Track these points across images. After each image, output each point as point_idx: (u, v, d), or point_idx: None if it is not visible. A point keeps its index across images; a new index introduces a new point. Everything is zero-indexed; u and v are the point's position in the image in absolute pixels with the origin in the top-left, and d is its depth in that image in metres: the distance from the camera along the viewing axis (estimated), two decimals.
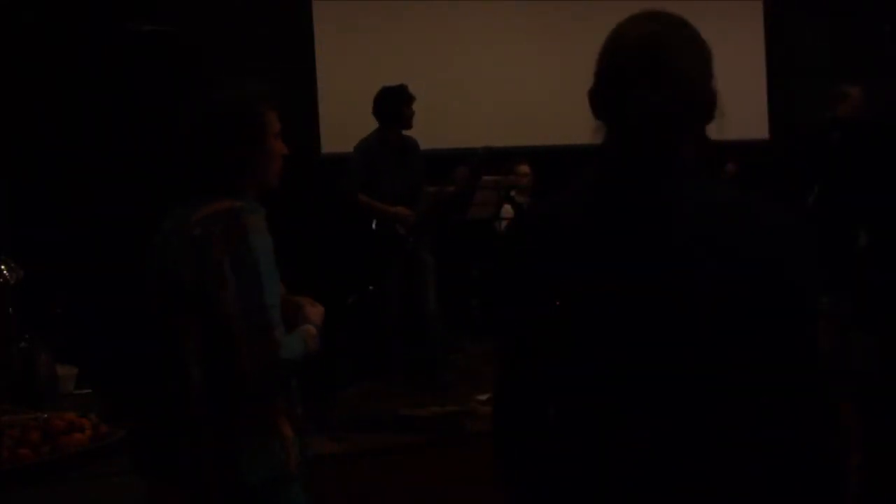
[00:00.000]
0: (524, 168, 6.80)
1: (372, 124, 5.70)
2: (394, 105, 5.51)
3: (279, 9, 6.60)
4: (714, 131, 1.39)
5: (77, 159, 5.05)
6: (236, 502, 2.03)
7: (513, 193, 6.68)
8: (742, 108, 7.52)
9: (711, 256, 1.23)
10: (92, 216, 4.96)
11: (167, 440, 2.13)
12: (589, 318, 1.31)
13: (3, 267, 2.59)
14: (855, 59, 7.77)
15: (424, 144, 5.89)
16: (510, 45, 7.38)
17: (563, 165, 6.62)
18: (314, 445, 2.19)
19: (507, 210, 6.59)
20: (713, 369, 1.23)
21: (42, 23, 5.14)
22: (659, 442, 1.26)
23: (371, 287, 5.91)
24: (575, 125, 7.63)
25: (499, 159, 6.54)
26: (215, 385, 2.01)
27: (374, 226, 5.53)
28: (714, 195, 1.30)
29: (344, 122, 6.38)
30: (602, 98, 1.38)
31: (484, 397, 5.46)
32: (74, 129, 5.05)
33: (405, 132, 5.61)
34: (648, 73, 1.31)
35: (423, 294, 5.67)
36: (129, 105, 5.09)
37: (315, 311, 2.19)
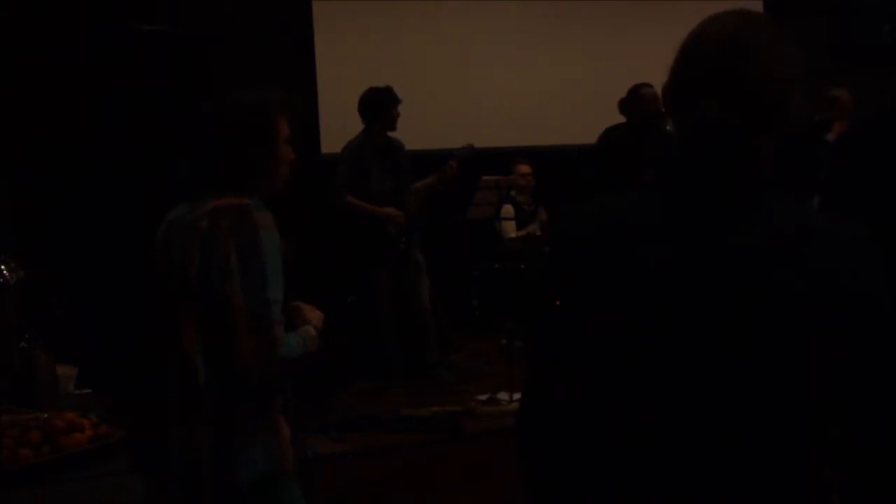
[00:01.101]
0: (525, 168, 6.80)
1: None
2: (380, 106, 5.53)
3: (279, 9, 6.60)
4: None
5: (77, 159, 5.05)
6: (231, 500, 2.02)
7: (513, 193, 6.69)
8: None
9: (783, 270, 1.20)
10: (92, 216, 4.96)
11: (164, 438, 2.13)
12: (659, 331, 1.26)
13: (3, 267, 2.59)
14: (855, 59, 7.76)
15: (423, 144, 5.90)
16: (510, 45, 7.38)
17: (562, 165, 6.65)
18: (314, 445, 2.19)
19: (508, 210, 6.60)
20: (786, 385, 1.20)
21: (42, 23, 5.14)
22: (724, 459, 1.23)
23: (369, 287, 5.92)
24: (574, 125, 7.69)
25: (501, 159, 6.56)
26: (215, 377, 2.01)
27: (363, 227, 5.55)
28: (785, 210, 1.25)
29: (344, 123, 6.37)
30: (673, 102, 1.31)
31: (484, 397, 5.46)
32: (74, 129, 5.05)
33: (390, 133, 5.63)
34: (723, 84, 1.24)
35: (416, 294, 5.68)
36: (130, 105, 5.09)
37: (315, 314, 2.20)
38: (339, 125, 6.40)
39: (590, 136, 6.07)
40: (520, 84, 7.34)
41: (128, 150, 5.03)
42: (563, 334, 1.36)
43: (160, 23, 5.34)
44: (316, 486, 2.15)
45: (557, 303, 1.38)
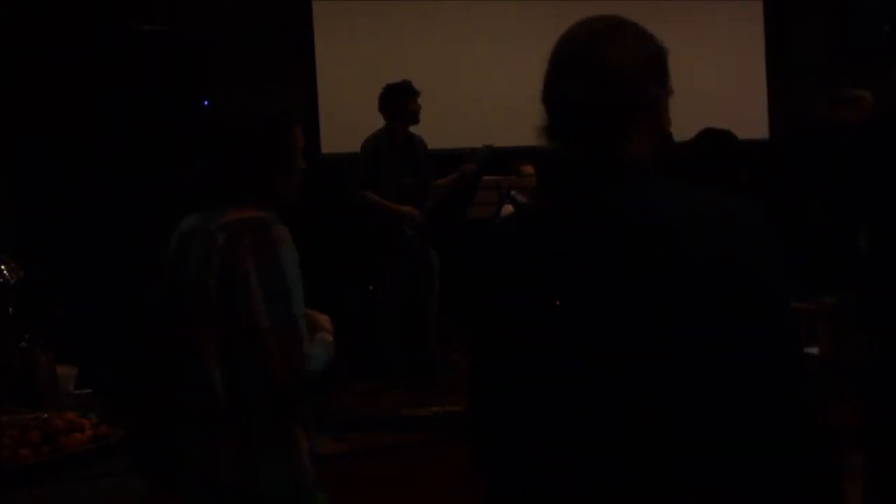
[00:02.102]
0: (528, 169, 6.80)
1: (371, 124, 5.70)
2: (398, 101, 5.51)
3: (279, 9, 6.60)
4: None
5: (77, 159, 5.05)
6: None
7: (513, 193, 6.68)
8: (742, 107, 7.53)
9: (667, 257, 1.20)
10: (92, 216, 4.96)
11: (170, 434, 2.12)
12: (553, 333, 1.27)
13: (3, 267, 2.59)
14: (855, 59, 7.76)
15: None
16: (510, 45, 7.37)
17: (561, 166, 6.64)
18: (314, 445, 2.19)
19: (508, 210, 6.59)
20: (684, 374, 1.20)
21: (42, 23, 5.14)
22: (627, 456, 1.23)
23: (371, 287, 5.92)
24: None
25: (502, 159, 6.55)
26: (236, 392, 1.98)
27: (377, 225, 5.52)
28: (660, 195, 1.26)
29: (344, 122, 6.38)
30: (543, 100, 1.38)
31: None
32: (74, 129, 5.05)
33: (412, 127, 5.61)
34: (580, 71, 1.30)
35: (427, 294, 5.67)
36: (130, 105, 5.09)
37: (325, 318, 2.17)
38: (339, 125, 6.40)
39: None
40: (520, 84, 7.32)
41: (128, 150, 5.03)
42: (481, 346, 1.43)
43: (160, 23, 5.34)
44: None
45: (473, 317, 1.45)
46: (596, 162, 1.30)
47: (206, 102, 5.11)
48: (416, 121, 5.58)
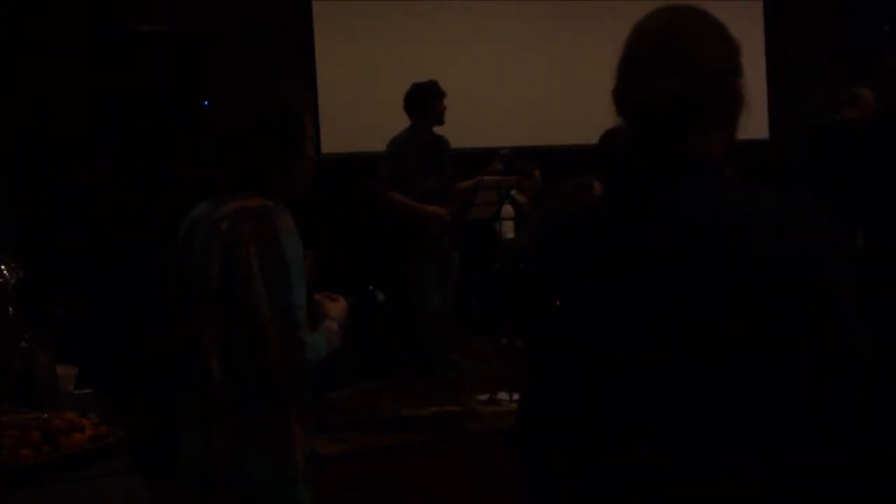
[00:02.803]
0: (537, 174, 6.81)
1: (371, 124, 5.70)
2: (424, 101, 5.50)
3: (279, 9, 6.60)
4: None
5: (77, 159, 5.05)
6: (242, 500, 2.02)
7: (513, 193, 6.68)
8: None
9: (724, 256, 1.19)
10: (92, 216, 4.96)
11: (170, 434, 2.13)
12: (607, 324, 1.27)
13: (3, 267, 2.59)
14: (855, 59, 7.77)
15: None
16: (510, 45, 7.38)
17: (564, 166, 6.64)
18: (314, 445, 2.19)
19: (508, 210, 6.60)
20: (736, 372, 1.19)
21: (42, 23, 5.14)
22: (678, 449, 1.23)
23: (371, 287, 5.92)
24: (576, 126, 7.66)
25: (512, 160, 6.55)
26: (232, 380, 2.00)
27: (412, 230, 5.52)
28: (728, 194, 1.25)
29: (344, 122, 6.38)
30: (617, 93, 1.34)
31: (484, 397, 5.47)
32: (74, 129, 5.05)
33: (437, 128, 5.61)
34: (661, 64, 1.27)
35: (446, 294, 5.67)
36: (130, 105, 5.09)
37: (335, 307, 2.18)
38: (339, 125, 6.41)
39: (591, 137, 6.07)
40: (520, 84, 7.33)
41: (128, 150, 5.03)
42: (541, 333, 1.41)
43: (160, 23, 5.34)
44: (316, 486, 2.15)
45: (534, 303, 1.42)
46: (671, 157, 1.28)
47: (205, 103, 5.11)
48: (441, 121, 5.58)
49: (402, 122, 5.65)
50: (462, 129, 6.15)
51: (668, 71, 1.27)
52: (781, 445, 1.20)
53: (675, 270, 1.22)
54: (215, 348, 2.00)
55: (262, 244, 1.96)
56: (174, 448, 2.12)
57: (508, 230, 6.57)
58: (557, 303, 1.35)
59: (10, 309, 2.57)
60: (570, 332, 1.33)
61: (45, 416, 2.19)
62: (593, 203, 1.40)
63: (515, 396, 5.36)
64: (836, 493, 1.20)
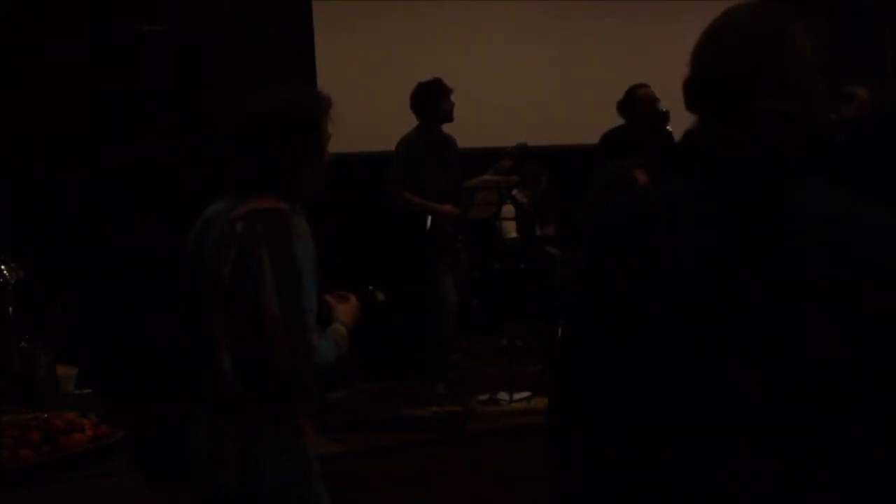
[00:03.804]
0: (542, 181, 6.81)
1: (371, 124, 5.70)
2: (430, 100, 5.49)
3: (279, 9, 6.60)
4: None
5: (77, 159, 5.05)
6: (254, 499, 2.01)
7: (515, 192, 6.68)
8: None
9: (834, 263, 1.18)
10: (92, 216, 4.96)
11: (170, 434, 2.13)
12: (702, 329, 1.23)
13: (3, 267, 2.59)
14: (855, 59, 7.76)
15: None
16: (511, 45, 7.38)
17: (564, 166, 6.64)
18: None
19: (508, 210, 6.60)
20: (835, 382, 1.17)
21: (42, 23, 5.14)
22: (769, 460, 1.19)
23: (371, 287, 5.91)
24: (576, 126, 7.65)
25: (498, 159, 6.55)
26: (244, 378, 2.00)
27: (428, 225, 5.50)
28: (832, 201, 1.24)
29: (344, 122, 6.36)
30: (707, 93, 1.30)
31: (484, 397, 5.46)
32: (74, 129, 5.05)
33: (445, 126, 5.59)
34: (761, 72, 1.25)
35: (456, 294, 5.67)
36: (129, 105, 5.09)
37: (345, 308, 2.18)
38: (338, 125, 6.39)
39: (592, 137, 6.08)
40: (520, 84, 7.33)
41: (128, 150, 5.03)
42: (597, 325, 1.33)
43: (160, 23, 5.34)
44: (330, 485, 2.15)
45: (591, 292, 1.35)
46: (760, 158, 1.26)
47: (208, 102, 5.11)
48: (449, 119, 5.56)
49: (402, 121, 5.64)
50: (462, 129, 6.14)
51: (781, 90, 1.25)
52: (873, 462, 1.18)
53: (787, 279, 1.19)
54: (227, 346, 2.00)
55: (275, 247, 1.96)
56: (181, 446, 2.12)
57: (509, 230, 6.57)
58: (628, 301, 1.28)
59: (10, 309, 2.57)
60: (658, 324, 1.26)
61: (45, 416, 2.19)
62: (668, 195, 1.32)
63: (516, 396, 5.36)
64: None
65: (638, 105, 5.71)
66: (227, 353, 2.00)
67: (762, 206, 1.23)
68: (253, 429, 2.00)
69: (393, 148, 5.66)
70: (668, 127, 5.68)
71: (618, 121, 5.92)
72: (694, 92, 1.31)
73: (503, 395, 5.40)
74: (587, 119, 6.62)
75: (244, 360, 1.99)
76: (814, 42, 1.30)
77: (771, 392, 1.19)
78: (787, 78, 1.25)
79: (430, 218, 5.49)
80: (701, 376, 1.22)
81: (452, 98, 5.54)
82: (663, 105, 5.66)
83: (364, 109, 6.08)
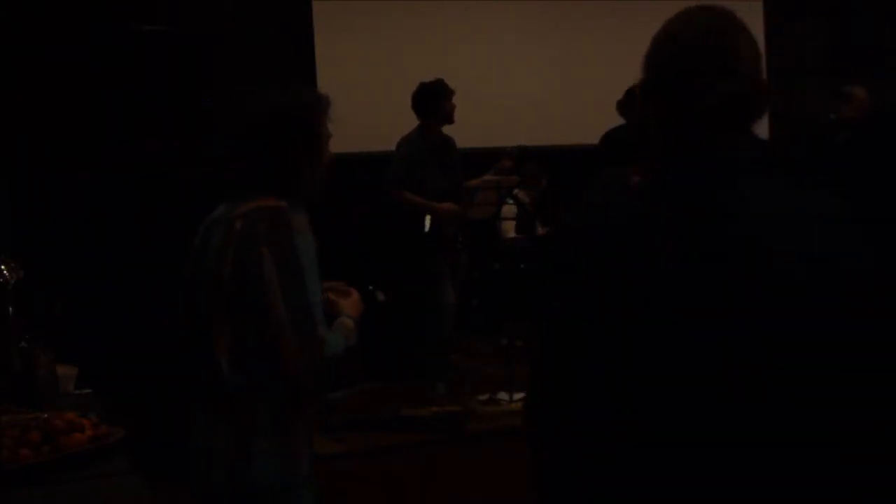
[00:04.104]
0: (543, 183, 6.81)
1: (371, 124, 5.70)
2: (432, 101, 5.49)
3: (279, 9, 6.60)
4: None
5: (77, 159, 5.05)
6: (246, 500, 2.02)
7: (516, 192, 6.68)
8: None
9: (788, 257, 1.20)
10: (92, 216, 4.96)
11: (169, 434, 2.13)
12: (652, 317, 1.26)
13: (3, 267, 2.59)
14: (855, 59, 7.76)
15: None
16: (510, 45, 7.38)
17: (565, 166, 6.65)
18: (315, 446, 2.19)
19: (508, 210, 6.60)
20: (797, 376, 1.19)
21: (42, 23, 5.14)
22: (730, 457, 1.21)
23: (371, 287, 5.91)
24: (577, 126, 7.65)
25: (497, 159, 6.56)
26: (241, 379, 2.00)
27: (427, 227, 5.50)
28: (782, 192, 1.26)
29: (344, 122, 6.36)
30: (663, 90, 1.36)
31: (484, 397, 5.47)
32: (74, 129, 5.05)
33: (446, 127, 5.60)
34: (716, 63, 1.31)
35: (455, 293, 5.67)
36: (129, 105, 5.09)
37: (348, 302, 2.18)
38: (338, 125, 6.39)
39: (592, 137, 6.08)
40: (520, 84, 7.33)
41: (128, 150, 5.03)
42: (565, 328, 1.37)
43: (160, 23, 5.34)
44: (321, 488, 2.15)
45: (557, 296, 1.39)
46: (713, 153, 1.30)
47: (207, 102, 5.11)
48: (450, 121, 5.56)
49: (402, 121, 5.64)
50: (462, 129, 6.15)
51: (726, 74, 1.31)
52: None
53: (737, 271, 1.21)
54: (225, 347, 2.00)
55: (276, 243, 1.96)
56: (181, 446, 2.12)
57: (509, 230, 6.57)
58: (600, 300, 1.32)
59: (10, 309, 2.57)
60: (611, 329, 1.30)
61: (45, 416, 2.19)
62: (634, 196, 1.36)
63: (516, 396, 5.36)
64: None
65: (638, 105, 5.70)
66: (225, 354, 2.00)
67: (713, 204, 1.25)
68: (248, 430, 2.00)
69: (393, 148, 5.66)
70: None
71: (618, 121, 5.91)
72: (650, 93, 1.37)
73: (503, 395, 5.40)
74: (587, 119, 6.62)
75: (244, 359, 1.99)
76: (753, 41, 1.37)
77: (736, 389, 1.20)
78: (741, 67, 1.32)
79: (428, 219, 5.48)
80: (663, 375, 1.25)
81: (454, 101, 5.54)
82: None
83: (364, 109, 6.09)
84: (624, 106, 5.85)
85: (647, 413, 1.27)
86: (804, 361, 1.19)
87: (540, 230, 6.65)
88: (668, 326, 1.25)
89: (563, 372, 1.37)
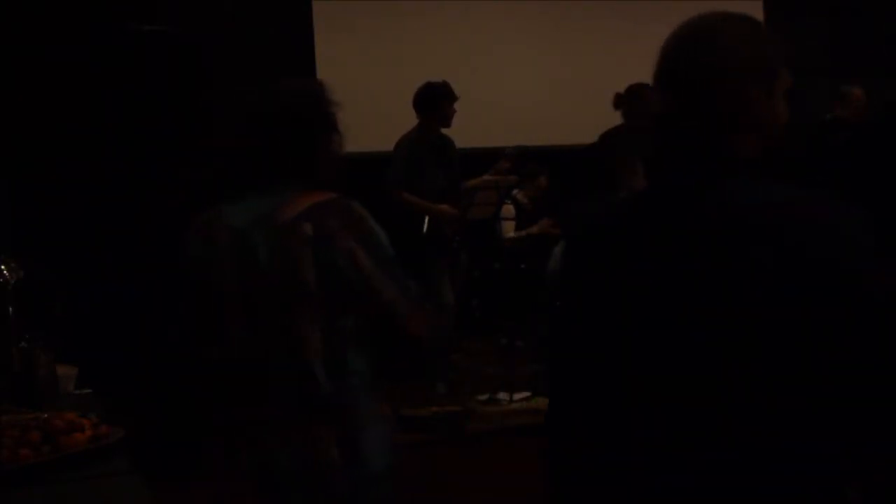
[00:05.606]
0: (543, 181, 6.81)
1: (371, 124, 5.69)
2: (435, 101, 5.49)
3: (279, 9, 6.60)
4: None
5: (77, 159, 5.05)
6: (360, 489, 1.99)
7: (515, 192, 6.68)
8: None
9: (764, 254, 1.21)
10: (92, 216, 4.96)
11: (170, 434, 2.12)
12: (644, 319, 1.29)
13: (3, 267, 2.59)
14: (855, 59, 7.76)
15: None
16: (511, 45, 7.38)
17: (564, 166, 6.64)
18: None
19: (508, 210, 6.60)
20: (766, 369, 1.21)
21: (42, 23, 5.14)
22: (717, 443, 1.24)
23: None
24: (576, 126, 7.64)
25: (497, 159, 6.55)
26: (339, 380, 1.98)
27: (425, 228, 5.49)
28: (766, 192, 1.27)
29: (343, 122, 6.37)
30: (677, 90, 1.37)
31: (484, 397, 5.46)
32: (74, 128, 5.05)
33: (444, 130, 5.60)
34: (676, 75, 1.34)
35: (455, 295, 5.67)
36: (129, 105, 5.09)
37: None
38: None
39: (592, 137, 6.07)
40: (520, 84, 7.33)
41: (128, 150, 5.03)
42: (569, 331, 1.42)
43: (160, 23, 5.34)
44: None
45: (561, 301, 1.44)
46: (693, 159, 1.32)
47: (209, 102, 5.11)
48: (448, 124, 5.57)
49: (402, 121, 5.64)
50: (462, 129, 6.15)
51: (683, 85, 1.33)
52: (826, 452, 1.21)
53: (721, 270, 1.23)
54: (316, 350, 1.95)
55: (359, 235, 1.94)
56: (181, 447, 2.11)
57: (509, 230, 6.57)
58: (594, 305, 1.37)
59: (10, 309, 2.57)
60: (609, 332, 1.34)
61: (45, 416, 2.19)
62: (630, 201, 1.42)
63: (516, 396, 5.36)
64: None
65: (645, 105, 5.69)
66: (319, 359, 1.95)
67: (690, 204, 1.28)
68: (355, 426, 1.99)
69: (392, 148, 5.66)
70: None
71: (618, 121, 5.90)
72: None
73: (503, 395, 5.40)
74: (587, 119, 6.62)
75: (339, 359, 1.97)
76: (755, 42, 1.40)
77: (721, 378, 1.23)
78: (694, 79, 1.33)
79: (427, 219, 5.48)
80: (662, 375, 1.28)
81: (455, 106, 5.54)
82: None
83: (364, 109, 6.07)
84: (622, 101, 5.83)
85: (648, 413, 1.29)
86: (788, 358, 1.20)
87: (535, 228, 6.65)
88: (658, 328, 1.28)
89: (573, 377, 1.41)
